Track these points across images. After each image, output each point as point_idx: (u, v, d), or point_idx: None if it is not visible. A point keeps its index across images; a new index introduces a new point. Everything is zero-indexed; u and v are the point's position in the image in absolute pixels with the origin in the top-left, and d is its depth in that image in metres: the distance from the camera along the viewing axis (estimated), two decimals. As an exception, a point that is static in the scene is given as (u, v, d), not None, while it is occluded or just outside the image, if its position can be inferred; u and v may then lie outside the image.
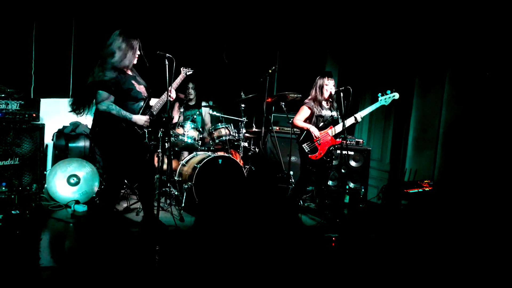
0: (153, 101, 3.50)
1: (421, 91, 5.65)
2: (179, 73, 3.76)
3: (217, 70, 6.29)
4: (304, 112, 4.38)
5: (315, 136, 4.27)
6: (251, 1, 6.33)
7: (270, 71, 5.12)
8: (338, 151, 4.46)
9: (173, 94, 3.51)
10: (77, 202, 4.37)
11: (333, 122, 4.38)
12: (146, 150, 3.45)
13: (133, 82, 3.28)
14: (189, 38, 6.01)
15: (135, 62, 3.30)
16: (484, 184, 4.45)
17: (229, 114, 5.45)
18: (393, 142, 6.11)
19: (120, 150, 3.28)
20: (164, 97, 3.46)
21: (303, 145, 4.32)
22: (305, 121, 4.38)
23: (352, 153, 5.67)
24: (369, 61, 6.51)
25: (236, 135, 5.08)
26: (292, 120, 4.46)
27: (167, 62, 3.38)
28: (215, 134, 5.08)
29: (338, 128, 4.32)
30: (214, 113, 5.29)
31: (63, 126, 5.08)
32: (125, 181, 4.58)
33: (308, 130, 4.30)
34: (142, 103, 3.34)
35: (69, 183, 4.52)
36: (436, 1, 5.30)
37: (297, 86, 5.40)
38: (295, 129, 4.78)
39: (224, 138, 5.01)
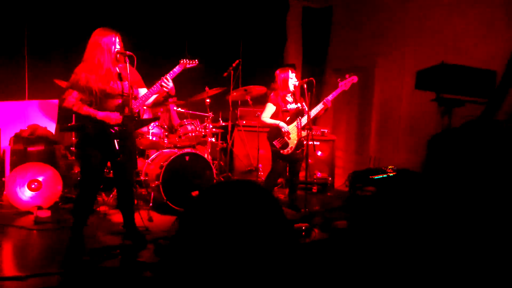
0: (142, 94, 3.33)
1: (381, 77, 5.81)
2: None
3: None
4: (270, 108, 4.37)
5: (285, 132, 4.28)
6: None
7: (234, 65, 5.11)
8: (305, 142, 4.50)
9: (170, 84, 3.29)
10: (39, 207, 4.22)
11: (299, 114, 4.41)
12: (119, 151, 3.22)
13: (110, 79, 3.15)
14: (150, 31, 5.89)
15: (112, 57, 3.14)
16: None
17: (195, 110, 5.40)
18: (357, 130, 6.26)
19: (87, 152, 3.17)
20: (147, 93, 3.30)
21: (274, 142, 4.32)
22: (272, 117, 4.38)
23: (318, 143, 5.76)
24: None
25: (203, 130, 5.05)
26: (259, 118, 4.45)
27: (127, 60, 3.26)
28: (181, 130, 5.02)
29: (305, 119, 4.35)
30: (179, 109, 5.22)
31: (20, 130, 4.87)
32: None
33: (277, 126, 4.30)
34: (119, 101, 3.20)
35: (30, 188, 4.35)
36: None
37: (262, 78, 5.42)
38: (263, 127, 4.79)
39: (190, 134, 4.96)
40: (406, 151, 5.43)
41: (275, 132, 4.33)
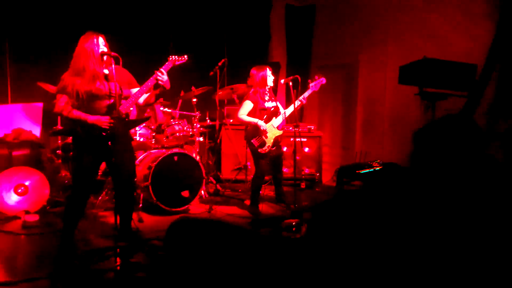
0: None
1: (365, 74, 5.90)
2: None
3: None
4: (247, 106, 4.38)
5: (263, 130, 4.32)
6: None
7: (220, 64, 5.13)
8: (292, 139, 4.57)
9: (165, 77, 3.21)
10: (27, 211, 4.17)
11: (275, 112, 4.46)
12: (111, 154, 3.17)
13: (96, 80, 3.12)
14: (134, 32, 5.85)
15: (100, 57, 3.11)
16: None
17: (182, 110, 5.39)
18: (343, 126, 6.35)
19: (78, 155, 3.15)
20: (137, 92, 3.27)
21: (251, 140, 4.36)
22: (248, 115, 4.39)
23: (305, 139, 5.82)
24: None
25: (190, 130, 5.05)
26: (236, 115, 4.49)
27: (113, 61, 3.25)
28: (168, 130, 5.01)
29: (280, 118, 4.44)
30: (166, 109, 5.21)
31: (5, 134, 4.80)
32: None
33: (255, 125, 4.33)
34: (108, 102, 3.17)
35: (16, 193, 4.29)
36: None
37: (247, 77, 5.43)
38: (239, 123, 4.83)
39: (177, 134, 4.96)
40: (392, 145, 5.53)
41: (253, 131, 4.36)
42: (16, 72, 5.07)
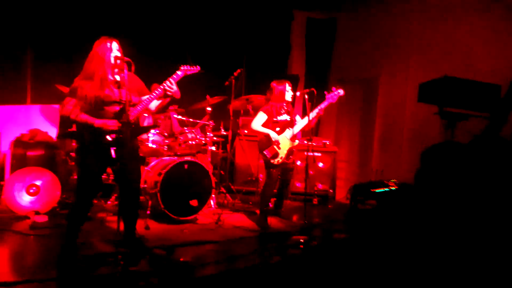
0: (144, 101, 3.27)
1: (385, 89, 5.77)
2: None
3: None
4: (261, 116, 4.44)
5: (275, 141, 4.33)
6: (216, 4, 6.30)
7: (235, 74, 5.11)
8: (305, 153, 4.49)
9: (174, 87, 3.23)
10: (37, 212, 4.19)
11: (288, 125, 4.46)
12: (116, 159, 3.13)
13: (106, 86, 3.11)
14: (153, 40, 5.90)
15: (112, 63, 3.12)
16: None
17: (196, 118, 5.38)
18: (360, 142, 6.21)
19: (84, 159, 3.15)
20: (147, 99, 3.25)
21: (264, 151, 4.37)
22: (262, 126, 4.43)
23: (319, 154, 5.71)
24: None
25: (203, 139, 5.03)
26: (250, 125, 4.51)
27: (126, 66, 3.24)
28: (182, 138, 4.99)
29: (295, 130, 4.42)
30: (180, 117, 5.21)
31: (21, 134, 4.87)
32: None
33: (267, 135, 4.35)
34: (117, 108, 3.16)
35: (28, 193, 4.33)
36: None
37: (265, 88, 5.40)
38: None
39: (190, 142, 4.94)
40: (410, 164, 5.36)
41: (265, 142, 4.38)
42: (36, 74, 5.16)
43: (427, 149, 1.71)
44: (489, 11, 4.72)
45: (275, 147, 4.35)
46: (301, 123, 4.44)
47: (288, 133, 4.42)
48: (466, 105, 4.06)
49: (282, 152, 4.37)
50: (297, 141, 4.47)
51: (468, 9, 4.89)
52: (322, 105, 4.39)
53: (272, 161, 4.35)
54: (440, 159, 1.75)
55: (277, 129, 4.41)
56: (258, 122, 4.42)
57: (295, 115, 4.58)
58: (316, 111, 4.37)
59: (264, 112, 4.44)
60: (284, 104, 4.50)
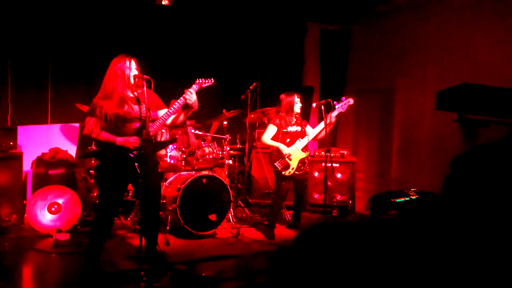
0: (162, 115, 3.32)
1: (402, 98, 5.71)
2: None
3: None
4: (271, 130, 4.48)
5: (285, 153, 4.34)
6: (230, 20, 6.37)
7: (251, 87, 5.13)
8: (323, 164, 4.46)
9: (194, 96, 3.26)
10: (59, 230, 4.24)
11: (298, 135, 4.47)
12: (139, 175, 3.17)
13: (125, 103, 3.16)
14: (169, 56, 5.99)
15: (131, 80, 3.18)
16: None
17: (212, 132, 5.41)
18: (378, 152, 6.13)
19: (106, 176, 3.20)
20: (165, 114, 3.29)
21: (275, 163, 4.39)
22: (273, 138, 4.47)
23: (337, 165, 5.65)
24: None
25: (220, 153, 5.04)
26: (260, 138, 4.56)
27: (145, 84, 3.29)
28: (199, 153, 5.02)
29: (305, 141, 4.43)
30: (197, 131, 5.24)
31: (42, 153, 4.97)
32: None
33: (277, 148, 4.38)
34: (137, 124, 3.22)
35: (49, 211, 4.39)
36: None
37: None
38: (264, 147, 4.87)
39: (208, 156, 4.96)
40: (430, 173, 5.26)
41: (276, 154, 4.41)
42: (56, 93, 5.27)
43: (458, 156, 1.67)
44: (506, 17, 4.64)
45: (286, 159, 4.36)
46: (311, 133, 4.45)
47: (299, 144, 4.42)
48: (486, 112, 3.97)
49: (294, 163, 4.38)
50: (308, 152, 4.49)
51: (484, 15, 4.82)
52: (332, 115, 4.36)
53: (283, 172, 4.37)
54: (471, 165, 1.70)
55: (287, 140, 4.44)
56: (268, 135, 4.47)
57: (306, 126, 4.58)
58: (326, 121, 4.34)
59: (274, 125, 4.48)
60: (294, 116, 4.51)
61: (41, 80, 5.21)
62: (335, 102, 4.39)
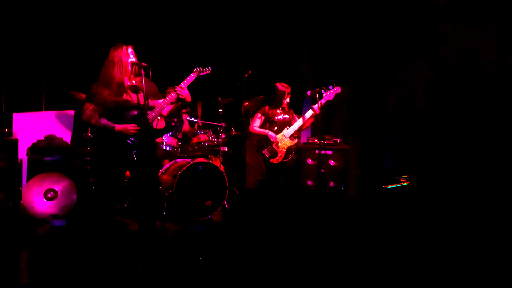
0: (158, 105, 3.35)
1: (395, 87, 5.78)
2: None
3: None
4: (258, 119, 4.55)
5: (273, 141, 4.40)
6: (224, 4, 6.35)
7: (246, 75, 5.16)
8: (317, 151, 4.53)
9: (185, 91, 3.29)
10: (55, 216, 4.28)
11: (285, 124, 4.51)
12: (137, 162, 3.22)
13: (123, 91, 3.18)
14: (166, 41, 5.97)
15: (129, 68, 3.20)
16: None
17: (208, 120, 5.43)
18: (371, 140, 6.22)
19: (105, 163, 3.23)
20: (163, 103, 3.32)
21: (263, 151, 4.44)
22: (260, 127, 4.53)
23: (330, 152, 5.73)
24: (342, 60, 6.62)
25: (216, 140, 5.08)
26: (249, 129, 4.61)
27: (143, 71, 3.29)
28: (195, 140, 5.06)
29: (292, 129, 4.46)
30: (192, 119, 5.27)
31: (38, 140, 4.96)
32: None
33: (265, 136, 4.43)
34: (135, 112, 3.24)
35: (46, 198, 4.42)
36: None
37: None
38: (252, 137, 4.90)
39: (203, 144, 5.00)
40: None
41: (264, 142, 4.45)
42: (50, 80, 5.25)
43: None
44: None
45: (274, 146, 4.42)
46: (298, 121, 4.48)
47: (287, 132, 4.47)
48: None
49: (281, 151, 4.43)
50: (296, 140, 4.52)
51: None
52: (319, 103, 4.39)
53: (271, 160, 4.42)
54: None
55: (275, 128, 4.48)
56: (256, 124, 4.53)
57: (292, 114, 4.63)
58: (314, 107, 4.39)
59: (261, 114, 4.54)
60: (283, 105, 4.55)
61: (35, 67, 5.17)
62: (322, 90, 4.44)
